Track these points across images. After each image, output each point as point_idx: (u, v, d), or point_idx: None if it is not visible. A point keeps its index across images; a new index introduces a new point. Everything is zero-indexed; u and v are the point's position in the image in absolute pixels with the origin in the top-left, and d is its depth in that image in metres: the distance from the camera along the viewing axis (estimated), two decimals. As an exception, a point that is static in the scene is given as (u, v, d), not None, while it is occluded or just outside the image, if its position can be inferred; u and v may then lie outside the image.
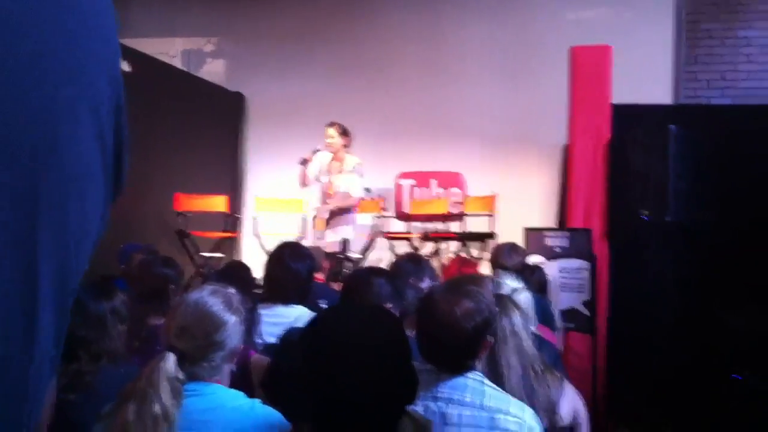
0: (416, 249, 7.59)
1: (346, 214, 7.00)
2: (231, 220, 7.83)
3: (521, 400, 2.53)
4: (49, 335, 0.69)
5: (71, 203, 0.70)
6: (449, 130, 8.28)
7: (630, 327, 6.06)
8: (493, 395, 2.12)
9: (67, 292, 0.72)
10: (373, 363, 1.43)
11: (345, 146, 6.97)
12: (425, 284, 4.22)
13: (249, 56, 8.74)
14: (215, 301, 2.11)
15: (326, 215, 7.00)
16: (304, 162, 6.91)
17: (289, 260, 3.53)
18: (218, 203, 7.58)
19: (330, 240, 6.94)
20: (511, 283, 3.78)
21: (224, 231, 7.62)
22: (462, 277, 3.54)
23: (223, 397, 2.06)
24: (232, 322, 2.11)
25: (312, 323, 1.54)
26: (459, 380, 2.11)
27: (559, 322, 5.47)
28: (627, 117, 6.06)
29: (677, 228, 5.85)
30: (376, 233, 7.73)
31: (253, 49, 8.72)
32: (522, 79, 8.04)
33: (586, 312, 5.86)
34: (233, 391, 2.11)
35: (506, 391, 2.52)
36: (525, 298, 3.70)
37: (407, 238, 7.68)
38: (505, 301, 2.82)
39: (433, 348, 2.11)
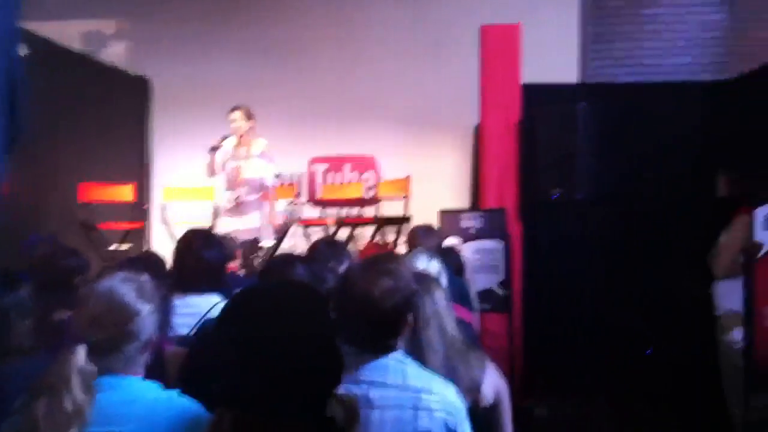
0: (333, 235, 7.53)
1: (255, 201, 6.82)
2: (138, 210, 7.58)
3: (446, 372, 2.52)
4: None
5: None
6: (362, 112, 8.21)
7: (544, 305, 6.16)
8: (415, 374, 2.08)
9: None
10: (295, 340, 1.36)
11: (251, 130, 6.78)
12: (344, 268, 4.17)
13: (153, 38, 8.44)
14: (127, 289, 2.00)
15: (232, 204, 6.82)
16: (214, 149, 6.69)
17: (200, 248, 3.40)
18: (125, 192, 7.34)
19: (240, 228, 6.77)
20: (428, 264, 3.77)
21: (132, 221, 7.37)
22: (379, 255, 3.48)
23: (139, 390, 1.96)
24: (146, 311, 2.00)
25: (229, 303, 1.46)
26: (381, 362, 2.06)
27: (476, 303, 5.51)
28: (536, 96, 6.14)
29: (587, 204, 5.96)
30: (291, 220, 7.63)
31: (158, 31, 8.42)
32: (432, 59, 8.03)
33: (501, 292, 5.92)
34: (149, 383, 2.01)
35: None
36: (442, 279, 3.70)
37: (322, 224, 7.60)
38: (426, 280, 2.80)
39: (353, 329, 2.04)
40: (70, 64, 7.36)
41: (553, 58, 7.35)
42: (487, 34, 6.21)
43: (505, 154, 6.18)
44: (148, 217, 8.12)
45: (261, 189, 6.80)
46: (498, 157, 6.19)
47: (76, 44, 8.15)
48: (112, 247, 6.94)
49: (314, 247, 4.35)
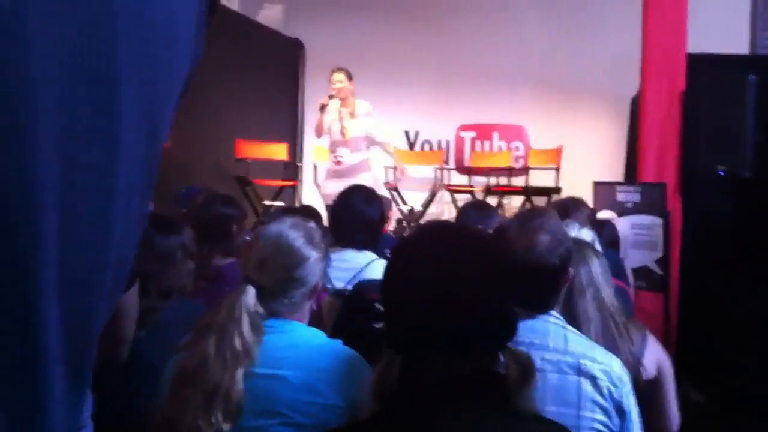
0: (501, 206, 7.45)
1: (363, 163, 6.69)
2: (291, 169, 7.74)
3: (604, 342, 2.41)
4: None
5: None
6: (512, 80, 8.02)
7: (703, 286, 5.84)
8: (577, 341, 1.98)
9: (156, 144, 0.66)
10: (472, 287, 1.30)
11: (352, 91, 6.70)
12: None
13: (307, 3, 8.55)
14: (296, 235, 1.99)
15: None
16: (323, 108, 6.65)
17: (360, 204, 3.41)
18: (279, 151, 7.51)
19: None
20: (579, 233, 3.63)
21: (284, 179, 7.54)
22: (529, 211, 3.36)
23: (302, 335, 1.96)
24: (314, 257, 1.99)
25: (399, 248, 1.41)
26: (540, 324, 1.97)
27: (630, 279, 5.30)
28: (703, 67, 5.77)
29: (754, 183, 5.58)
30: (438, 186, 7.60)
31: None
32: (589, 25, 7.71)
33: (658, 270, 5.65)
34: (313, 330, 2.01)
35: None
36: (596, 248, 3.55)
37: (469, 192, 7.53)
38: (583, 248, 2.67)
39: (511, 286, 1.96)
40: (230, 24, 7.55)
41: (722, 27, 6.90)
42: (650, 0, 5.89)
43: (666, 126, 5.85)
44: (300, 176, 8.29)
45: (369, 147, 6.68)
46: (658, 129, 5.87)
47: (234, 5, 8.35)
48: (266, 203, 7.12)
49: (462, 211, 4.30)
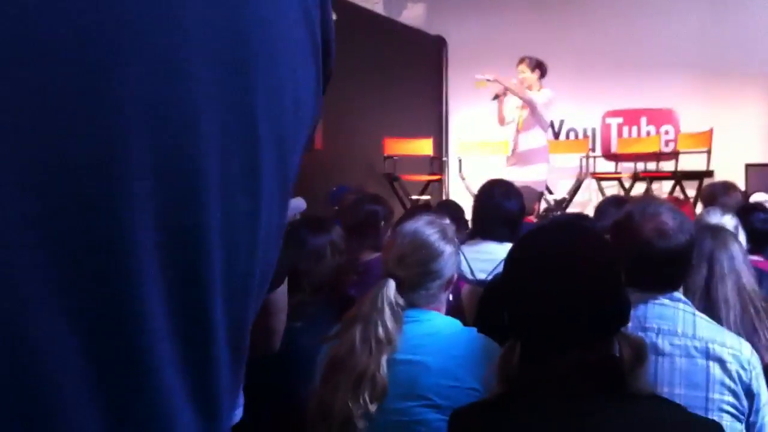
0: (626, 190, 7.34)
1: (541, 151, 6.71)
2: (436, 163, 7.91)
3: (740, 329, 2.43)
4: (274, 198, 0.70)
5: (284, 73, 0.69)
6: (655, 63, 7.82)
7: None
8: (705, 326, 2.02)
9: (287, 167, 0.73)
10: (584, 276, 1.40)
11: (539, 80, 6.73)
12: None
13: (448, 0, 8.69)
14: (431, 231, 2.14)
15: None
16: (497, 97, 6.74)
17: (500, 197, 3.51)
18: (424, 146, 7.68)
19: (524, 179, 6.80)
20: (721, 219, 3.58)
21: (430, 174, 7.71)
22: (645, 197, 3.39)
23: (439, 324, 2.11)
24: (448, 251, 2.13)
25: (523, 239, 1.53)
26: (669, 311, 2.02)
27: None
28: None
29: None
30: (584, 174, 7.55)
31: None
32: (737, 4, 7.42)
33: (817, 254, 5.42)
34: (450, 319, 2.15)
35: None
36: (739, 235, 3.50)
37: (616, 179, 7.44)
38: (723, 233, 2.69)
39: (638, 268, 2.03)
40: (374, 26, 7.80)
41: None
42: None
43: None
44: (445, 170, 8.44)
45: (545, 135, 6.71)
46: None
47: (378, 8, 8.60)
48: (414, 197, 7.33)
49: (600, 207, 4.30)
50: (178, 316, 0.58)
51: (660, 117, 8.13)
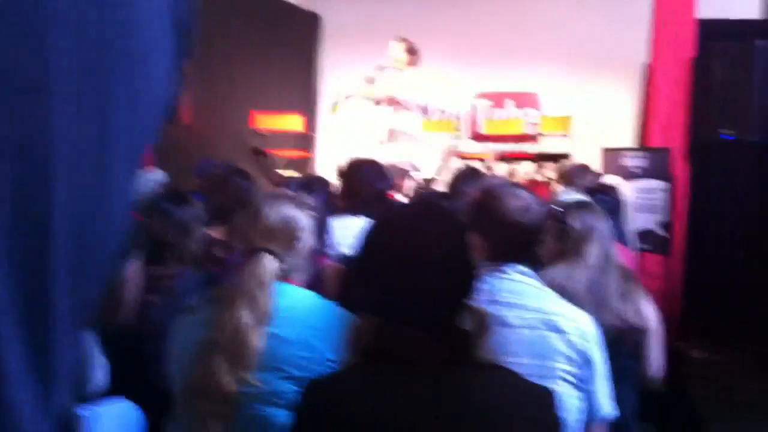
0: (490, 170, 7.57)
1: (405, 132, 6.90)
2: (306, 140, 7.90)
3: (596, 294, 2.68)
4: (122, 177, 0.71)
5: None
6: (524, 48, 8.09)
7: (708, 249, 5.96)
8: (551, 299, 2.16)
9: (137, 148, 0.74)
10: (429, 255, 1.45)
11: (410, 65, 6.85)
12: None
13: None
14: (292, 205, 2.17)
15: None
16: (371, 81, 6.83)
17: (367, 174, 3.57)
18: (294, 122, 7.66)
19: (397, 158, 6.94)
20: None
21: (299, 149, 7.70)
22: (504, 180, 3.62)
23: (299, 297, 2.13)
24: (306, 225, 2.17)
25: (372, 222, 1.58)
26: (518, 285, 2.14)
27: (634, 243, 5.43)
28: (712, 32, 5.83)
29: (760, 148, 5.67)
30: (451, 153, 7.72)
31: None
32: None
33: (662, 233, 5.78)
34: (308, 292, 2.18)
35: (580, 286, 2.66)
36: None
37: (481, 159, 7.65)
38: (585, 203, 2.93)
39: (496, 244, 2.14)
40: (248, 2, 7.69)
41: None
42: (660, -34, 5.95)
43: (675, 92, 5.94)
44: (314, 147, 8.44)
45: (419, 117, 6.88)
46: (667, 95, 5.97)
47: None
48: (280, 172, 7.30)
49: (455, 175, 4.45)
50: (20, 288, 0.61)
51: (524, 100, 8.40)
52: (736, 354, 5.75)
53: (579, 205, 2.92)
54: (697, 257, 6.01)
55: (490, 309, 2.07)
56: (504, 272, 2.14)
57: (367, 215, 3.49)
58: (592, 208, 2.92)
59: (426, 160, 7.67)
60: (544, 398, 1.51)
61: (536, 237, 2.21)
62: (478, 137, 8.25)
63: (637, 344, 2.89)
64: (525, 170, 7.47)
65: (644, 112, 6.37)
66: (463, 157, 7.71)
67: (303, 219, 2.16)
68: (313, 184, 3.88)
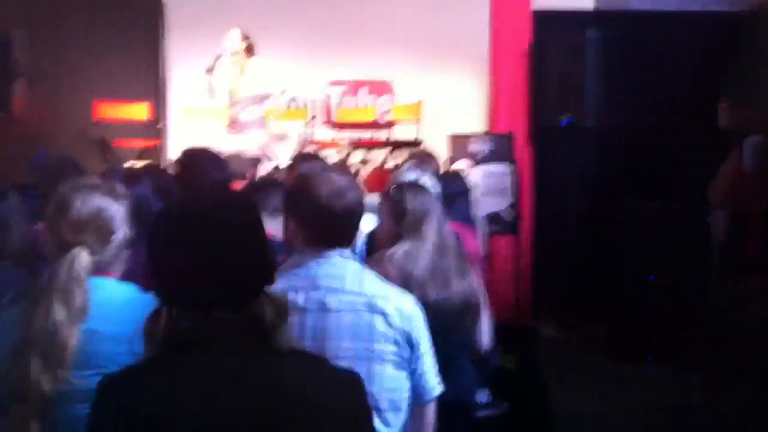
0: (344, 157, 7.59)
1: (257, 120, 6.87)
2: (154, 129, 7.65)
3: (438, 274, 2.79)
4: None
5: None
6: (378, 37, 8.09)
7: (552, 229, 6.21)
8: (372, 281, 2.17)
9: None
10: (222, 243, 1.43)
11: (246, 50, 6.80)
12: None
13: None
14: (102, 195, 2.09)
15: None
16: (210, 71, 6.75)
17: (205, 165, 3.49)
18: (140, 111, 7.40)
19: (242, 147, 6.89)
20: (419, 177, 3.87)
21: (147, 139, 7.45)
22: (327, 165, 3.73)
23: (114, 290, 2.06)
24: (120, 215, 2.09)
25: (163, 208, 1.53)
26: (339, 270, 2.14)
27: (482, 226, 5.58)
28: (547, 22, 6.06)
29: (597, 132, 5.95)
30: (304, 142, 7.69)
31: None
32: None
33: (509, 215, 5.97)
34: (125, 284, 2.10)
35: (423, 268, 2.76)
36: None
37: (335, 147, 7.65)
38: (417, 185, 3.02)
39: (311, 227, 2.14)
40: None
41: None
42: (496, -44, 6.12)
43: (514, 80, 6.15)
44: (164, 136, 8.20)
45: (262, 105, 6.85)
46: (508, 83, 6.17)
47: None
48: (128, 165, 7.04)
49: (293, 161, 4.44)
50: None
51: (379, 88, 8.45)
52: (583, 333, 6.02)
53: (414, 187, 2.99)
54: (543, 238, 6.25)
55: (311, 294, 2.09)
56: (324, 257, 2.13)
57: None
58: (426, 191, 2.99)
59: (280, 149, 7.61)
60: (351, 384, 1.50)
61: (352, 221, 2.19)
62: (333, 125, 8.25)
63: (473, 319, 3.01)
64: (378, 158, 7.52)
65: (490, 100, 6.54)
66: (317, 146, 7.69)
67: (116, 209, 2.08)
68: (140, 174, 3.76)
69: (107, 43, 7.43)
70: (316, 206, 2.11)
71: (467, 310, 2.92)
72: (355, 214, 2.18)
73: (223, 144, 6.86)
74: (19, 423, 1.86)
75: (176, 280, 1.42)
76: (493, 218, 5.97)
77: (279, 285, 2.08)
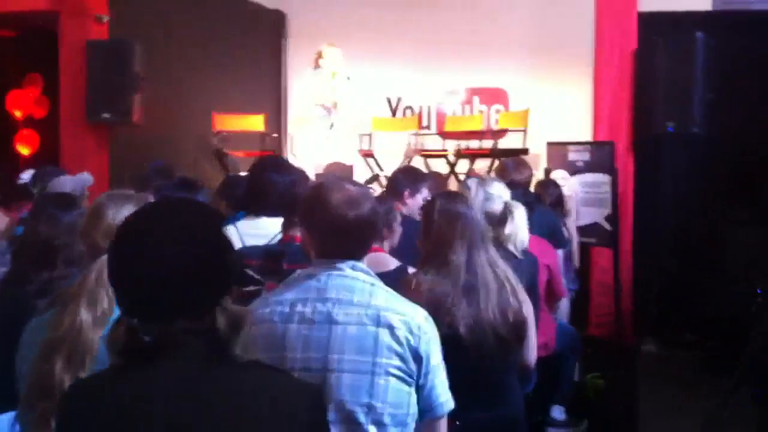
0: (452, 166, 7.61)
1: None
2: (269, 140, 7.94)
3: (472, 292, 2.77)
4: None
5: None
6: (491, 44, 8.04)
7: (655, 240, 5.99)
8: (381, 295, 2.15)
9: None
10: (179, 254, 1.47)
11: (340, 64, 7.01)
12: (422, 196, 4.30)
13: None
14: (132, 204, 2.22)
15: None
16: (315, 84, 6.99)
17: (270, 172, 3.59)
18: (256, 122, 7.70)
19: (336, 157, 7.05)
20: (496, 191, 3.84)
21: (262, 151, 7.75)
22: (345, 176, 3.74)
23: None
24: None
25: (125, 219, 1.58)
26: (348, 282, 2.14)
27: (575, 237, 5.46)
28: (654, 25, 5.85)
29: (704, 140, 5.69)
30: (411, 151, 7.77)
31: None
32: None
33: (608, 226, 5.81)
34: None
35: (455, 287, 2.72)
36: (516, 209, 3.79)
37: (441, 156, 7.68)
38: (454, 194, 3.00)
39: (328, 240, 2.16)
40: (210, 1, 7.76)
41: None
42: (602, -42, 5.97)
43: (618, 86, 5.98)
44: (282, 147, 8.49)
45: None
46: (611, 89, 6.01)
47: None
48: (243, 174, 7.34)
49: (393, 176, 4.49)
50: None
51: (491, 96, 8.42)
52: (685, 350, 5.77)
53: (444, 196, 2.94)
54: (645, 249, 6.04)
55: (319, 306, 2.13)
56: (336, 269, 2.15)
57: (273, 214, 3.52)
58: (459, 198, 2.94)
59: (388, 158, 7.73)
60: (306, 395, 1.53)
61: (365, 231, 2.18)
62: (443, 134, 8.28)
63: (519, 337, 2.95)
64: (481, 167, 7.48)
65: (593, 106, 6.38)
66: (424, 155, 7.76)
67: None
68: (195, 183, 3.93)
69: (230, 55, 7.78)
70: (326, 216, 2.13)
71: (510, 328, 2.84)
72: (367, 225, 2.17)
73: (329, 153, 7.06)
74: (43, 420, 2.00)
75: (134, 291, 1.48)
76: (592, 229, 5.83)
77: (289, 295, 2.17)
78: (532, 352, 3.06)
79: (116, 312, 2.06)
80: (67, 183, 4.32)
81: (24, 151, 9.17)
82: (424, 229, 2.88)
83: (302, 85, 7.39)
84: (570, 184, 5.81)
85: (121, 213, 2.21)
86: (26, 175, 5.37)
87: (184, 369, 1.46)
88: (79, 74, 6.06)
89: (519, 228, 3.78)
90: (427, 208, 2.92)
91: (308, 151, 7.11)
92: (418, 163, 7.70)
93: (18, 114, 8.31)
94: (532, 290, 3.39)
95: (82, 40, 6.08)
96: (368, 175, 7.47)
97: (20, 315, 2.85)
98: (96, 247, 2.21)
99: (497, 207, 3.83)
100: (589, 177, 5.83)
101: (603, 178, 5.74)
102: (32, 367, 2.09)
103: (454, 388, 2.23)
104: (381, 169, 7.75)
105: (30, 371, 2.11)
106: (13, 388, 2.55)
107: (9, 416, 2.44)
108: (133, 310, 1.50)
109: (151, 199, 2.35)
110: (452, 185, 7.06)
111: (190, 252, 1.49)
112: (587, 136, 7.37)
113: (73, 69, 6.16)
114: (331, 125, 7.03)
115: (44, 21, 7.01)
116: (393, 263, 3.16)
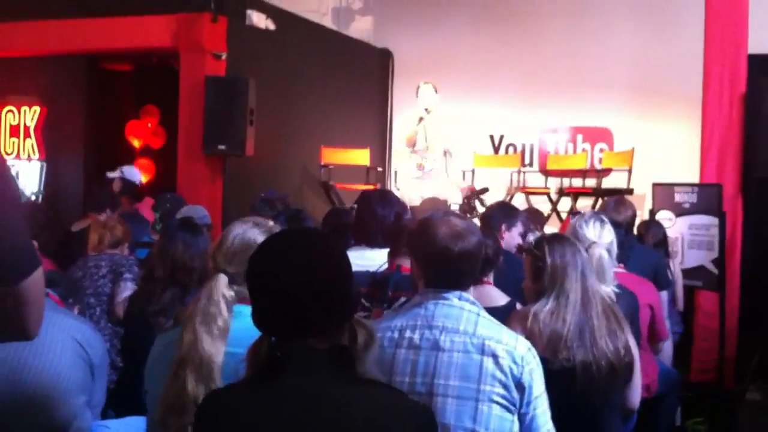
0: (554, 204, 7.62)
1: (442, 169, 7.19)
2: (372, 173, 8.14)
3: (584, 333, 2.76)
4: None
5: None
6: (593, 82, 8.10)
7: (762, 285, 5.84)
8: (486, 325, 2.25)
9: None
10: (310, 279, 1.61)
11: (436, 102, 7.18)
12: (518, 230, 4.35)
13: (395, 12, 8.97)
14: (257, 231, 2.36)
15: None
16: (420, 121, 7.13)
17: (376, 205, 3.74)
18: (360, 156, 7.92)
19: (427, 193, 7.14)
20: (597, 229, 3.82)
21: (366, 183, 7.95)
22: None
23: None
24: None
25: (260, 246, 1.74)
26: (455, 311, 2.25)
27: (680, 279, 5.37)
28: (764, 66, 5.76)
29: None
30: (513, 188, 7.83)
31: (398, 7, 8.94)
32: (659, 26, 7.74)
33: (714, 270, 5.69)
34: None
35: (568, 327, 2.73)
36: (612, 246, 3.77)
37: (543, 194, 7.71)
38: (562, 237, 3.04)
39: (435, 271, 2.27)
40: (321, 38, 8.06)
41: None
42: (712, 1, 5.92)
43: (727, 127, 5.89)
44: (386, 180, 8.68)
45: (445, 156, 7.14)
46: (720, 130, 5.92)
47: (327, 20, 8.86)
48: (348, 206, 7.55)
49: (488, 212, 4.57)
50: None
51: (595, 135, 8.42)
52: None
53: (553, 239, 2.97)
54: (753, 294, 5.89)
55: (426, 333, 2.24)
56: (444, 298, 2.27)
57: (377, 246, 3.65)
58: (567, 242, 2.97)
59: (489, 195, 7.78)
60: (421, 416, 1.64)
61: (470, 264, 2.29)
62: (545, 172, 8.31)
63: (624, 379, 2.94)
64: (583, 205, 7.46)
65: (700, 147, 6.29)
66: (526, 192, 7.80)
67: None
68: (300, 214, 4.09)
69: (338, 91, 8.05)
70: (433, 248, 2.25)
71: (617, 370, 2.85)
72: (472, 257, 2.28)
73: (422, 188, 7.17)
74: None
75: (269, 311, 1.65)
76: (697, 272, 5.73)
77: (398, 322, 2.29)
78: (636, 393, 3.04)
79: (236, 334, 2.23)
80: (197, 212, 4.59)
81: (142, 179, 9.65)
82: (532, 269, 2.91)
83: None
84: (676, 226, 5.75)
85: (242, 238, 2.37)
86: (114, 174, 5.81)
87: (311, 384, 1.59)
88: (197, 107, 6.35)
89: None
90: (536, 246, 2.96)
91: (405, 186, 7.27)
92: (519, 200, 7.77)
93: (136, 143, 8.76)
94: (631, 326, 3.39)
95: (200, 75, 6.38)
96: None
97: (144, 333, 3.08)
98: (217, 268, 2.37)
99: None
100: (695, 219, 5.74)
101: (710, 220, 5.65)
102: (165, 385, 2.24)
103: (558, 421, 2.29)
104: (483, 206, 7.81)
105: (163, 389, 2.26)
106: (137, 398, 2.74)
107: (139, 419, 2.61)
108: (269, 328, 1.66)
109: (270, 223, 2.49)
110: (554, 224, 7.07)
111: (318, 275, 1.63)
112: (693, 177, 7.27)
113: (191, 102, 6.46)
114: (422, 162, 7.16)
115: (160, 57, 7.43)
116: (502, 299, 3.23)
